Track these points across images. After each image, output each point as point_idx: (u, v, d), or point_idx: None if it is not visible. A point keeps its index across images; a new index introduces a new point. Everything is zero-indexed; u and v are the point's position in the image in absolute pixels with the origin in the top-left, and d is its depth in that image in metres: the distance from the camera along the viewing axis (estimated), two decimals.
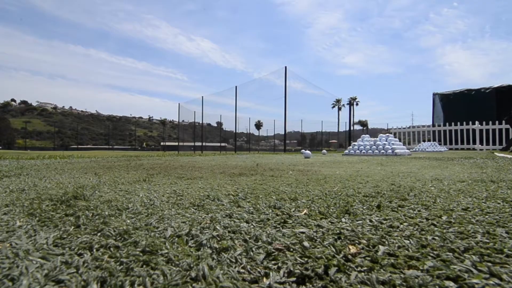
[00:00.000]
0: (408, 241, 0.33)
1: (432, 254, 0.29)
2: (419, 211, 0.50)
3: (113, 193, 0.68)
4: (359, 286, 0.23)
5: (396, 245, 0.32)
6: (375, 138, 5.66)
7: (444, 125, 12.60)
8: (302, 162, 3.20)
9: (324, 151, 8.92)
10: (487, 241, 0.33)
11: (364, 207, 0.52)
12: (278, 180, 0.92)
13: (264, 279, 0.25)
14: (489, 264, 0.27)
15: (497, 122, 11.01)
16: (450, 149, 11.73)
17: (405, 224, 0.41)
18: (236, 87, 16.03)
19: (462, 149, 11.75)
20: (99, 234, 0.37)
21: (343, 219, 0.44)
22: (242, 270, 0.26)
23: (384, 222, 0.43)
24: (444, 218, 0.44)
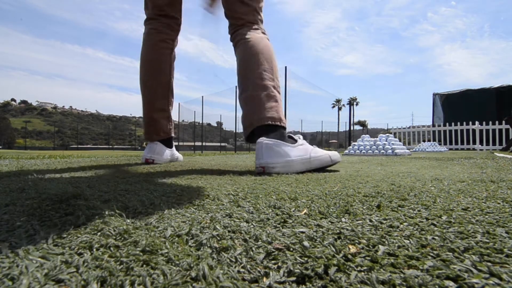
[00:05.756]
0: (408, 241, 0.33)
1: (432, 254, 0.29)
2: (419, 211, 0.50)
3: (113, 193, 0.68)
4: (359, 285, 0.23)
5: (396, 245, 0.32)
6: (375, 138, 5.65)
7: (444, 125, 12.59)
8: None
9: None
10: (487, 241, 0.33)
11: (364, 207, 0.52)
12: (278, 180, 0.92)
13: (264, 278, 0.25)
14: (489, 264, 0.27)
15: (497, 122, 11.01)
16: (450, 149, 11.72)
17: (405, 224, 0.41)
18: (236, 87, 15.97)
19: (462, 149, 11.75)
20: (99, 233, 0.37)
21: (343, 219, 0.44)
22: (242, 270, 0.26)
23: (384, 222, 0.43)
24: (444, 218, 0.44)
